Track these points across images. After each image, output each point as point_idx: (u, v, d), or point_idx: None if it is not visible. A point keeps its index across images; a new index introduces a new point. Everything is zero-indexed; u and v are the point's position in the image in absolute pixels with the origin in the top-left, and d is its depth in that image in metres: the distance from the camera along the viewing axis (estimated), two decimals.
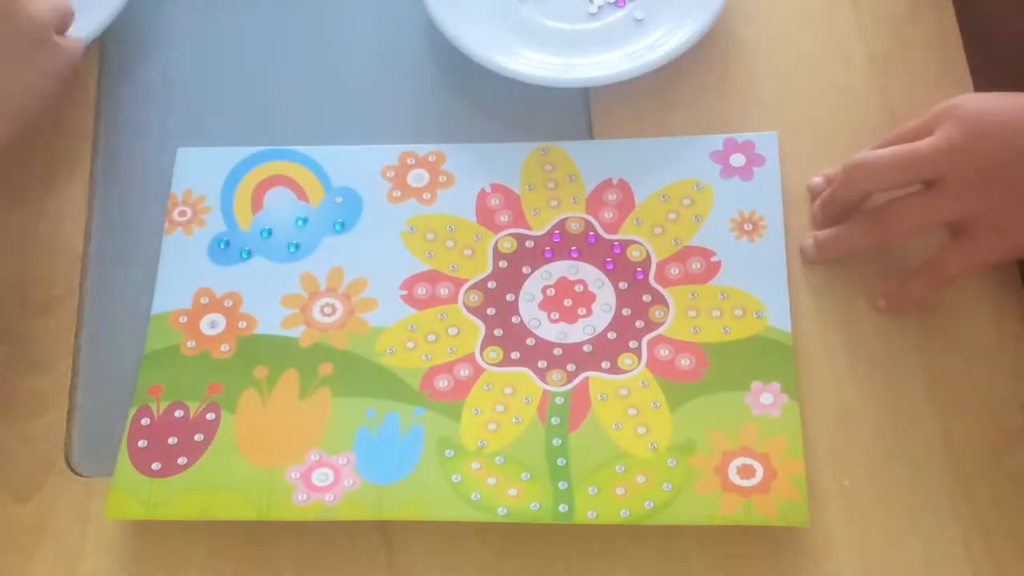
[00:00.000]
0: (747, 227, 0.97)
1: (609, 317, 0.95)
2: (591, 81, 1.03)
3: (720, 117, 1.02)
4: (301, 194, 1.01)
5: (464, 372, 0.93)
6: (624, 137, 1.02)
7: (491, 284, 0.97)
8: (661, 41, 1.04)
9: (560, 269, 0.97)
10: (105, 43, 1.10)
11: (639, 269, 0.96)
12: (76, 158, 1.04)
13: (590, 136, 1.03)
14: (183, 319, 0.96)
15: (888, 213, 0.92)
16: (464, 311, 0.96)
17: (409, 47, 1.08)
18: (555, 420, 0.90)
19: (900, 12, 1.05)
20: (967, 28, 1.03)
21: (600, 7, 1.07)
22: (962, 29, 1.03)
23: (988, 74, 1.02)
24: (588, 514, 0.87)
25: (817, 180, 0.98)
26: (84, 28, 1.04)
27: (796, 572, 0.87)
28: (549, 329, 0.95)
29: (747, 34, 1.06)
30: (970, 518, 0.88)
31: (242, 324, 0.96)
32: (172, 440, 0.91)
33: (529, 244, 0.98)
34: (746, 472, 0.88)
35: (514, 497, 0.87)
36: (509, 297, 0.96)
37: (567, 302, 0.96)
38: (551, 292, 0.96)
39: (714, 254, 0.97)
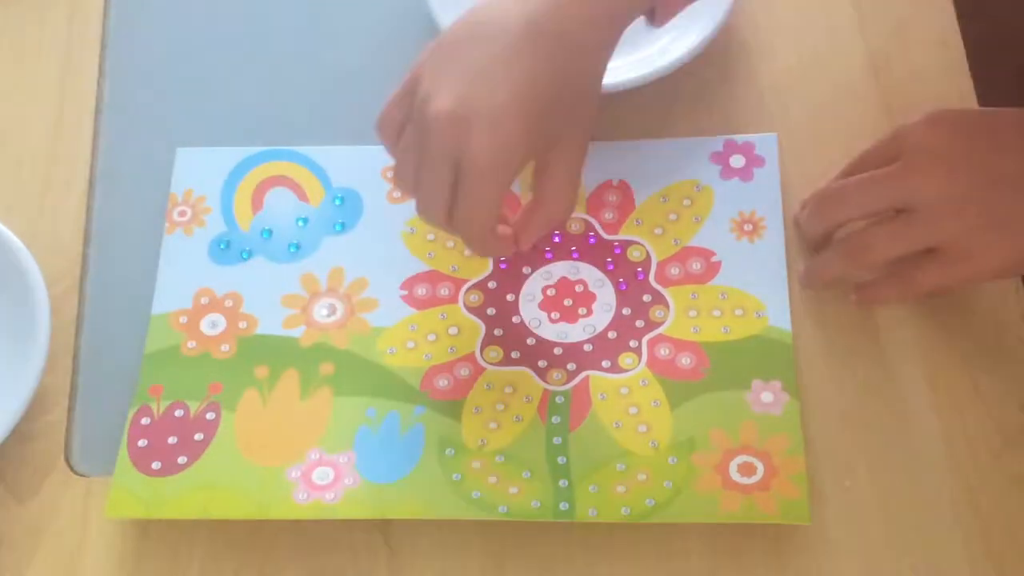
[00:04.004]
0: (747, 228, 0.97)
1: (609, 317, 0.95)
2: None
3: (720, 117, 1.02)
4: (301, 194, 1.01)
5: (464, 371, 0.93)
6: (625, 137, 1.02)
7: (491, 284, 0.97)
8: (670, 47, 1.04)
9: (560, 269, 0.97)
10: (105, 42, 1.10)
11: (639, 269, 0.96)
12: (76, 157, 1.04)
13: (590, 138, 1.03)
14: (183, 319, 0.96)
15: (860, 243, 0.92)
16: (464, 311, 0.96)
17: (410, 47, 1.07)
18: (555, 419, 0.91)
19: (900, 12, 1.05)
20: (967, 28, 1.03)
21: None
22: (962, 29, 1.03)
23: (988, 74, 1.02)
24: (589, 512, 0.87)
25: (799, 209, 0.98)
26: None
27: (797, 571, 0.87)
28: (549, 329, 0.95)
29: (747, 35, 1.06)
30: (971, 518, 0.88)
31: (243, 324, 0.96)
32: (172, 439, 0.91)
33: None
34: (747, 470, 0.88)
35: (515, 495, 0.87)
36: (509, 297, 0.96)
37: (567, 302, 0.96)
38: (551, 292, 0.96)
39: (714, 254, 0.97)
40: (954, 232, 0.88)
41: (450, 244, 0.98)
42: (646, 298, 0.95)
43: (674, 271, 0.96)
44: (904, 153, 0.90)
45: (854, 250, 0.92)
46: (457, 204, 0.84)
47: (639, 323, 0.94)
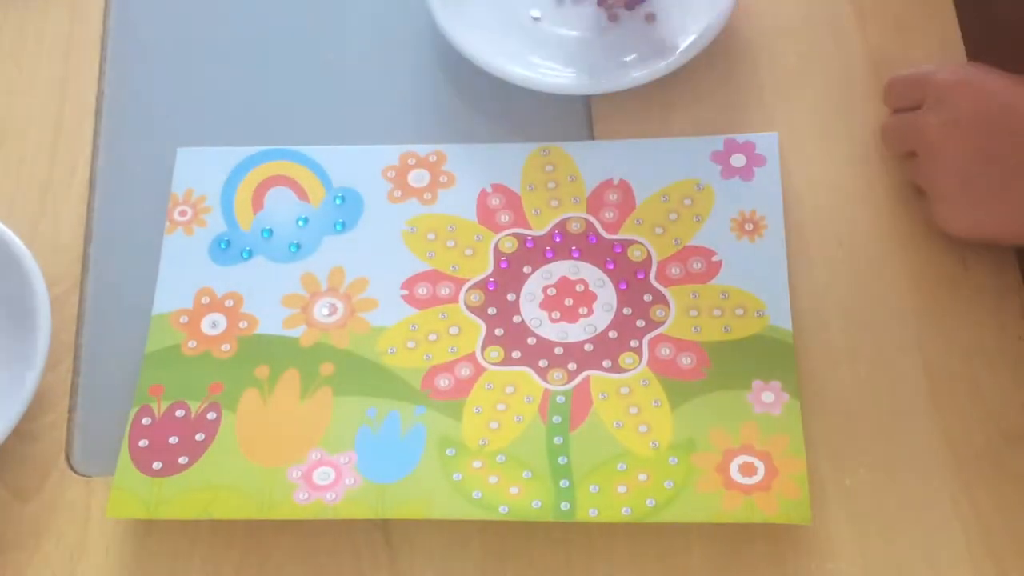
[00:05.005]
0: (748, 227, 0.97)
1: (610, 316, 0.95)
2: (601, 88, 1.03)
3: (721, 117, 1.02)
4: (302, 194, 1.01)
5: (465, 371, 0.93)
6: (625, 137, 1.02)
7: (492, 284, 0.97)
8: (670, 47, 1.04)
9: (561, 269, 0.97)
10: (105, 43, 1.10)
11: (640, 269, 0.96)
12: (76, 157, 1.04)
13: (591, 137, 1.03)
14: (184, 319, 0.96)
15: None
16: (465, 311, 0.96)
17: (410, 47, 1.08)
18: (556, 419, 0.90)
19: (900, 12, 1.05)
20: (968, 28, 1.03)
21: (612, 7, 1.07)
22: (963, 29, 1.04)
23: None
24: (590, 512, 0.86)
25: None
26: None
27: (797, 571, 0.87)
28: (550, 328, 0.95)
29: (748, 34, 1.06)
30: (971, 518, 0.87)
31: (243, 324, 0.96)
32: (173, 440, 0.91)
33: (530, 244, 0.98)
34: (748, 470, 0.87)
35: (515, 495, 0.87)
36: (510, 297, 0.96)
37: (568, 302, 0.96)
38: (552, 292, 0.96)
39: (715, 254, 0.97)
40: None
41: (450, 244, 0.98)
42: (647, 298, 0.95)
43: (675, 270, 0.96)
44: (942, 102, 0.92)
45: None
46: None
47: (640, 323, 0.94)
